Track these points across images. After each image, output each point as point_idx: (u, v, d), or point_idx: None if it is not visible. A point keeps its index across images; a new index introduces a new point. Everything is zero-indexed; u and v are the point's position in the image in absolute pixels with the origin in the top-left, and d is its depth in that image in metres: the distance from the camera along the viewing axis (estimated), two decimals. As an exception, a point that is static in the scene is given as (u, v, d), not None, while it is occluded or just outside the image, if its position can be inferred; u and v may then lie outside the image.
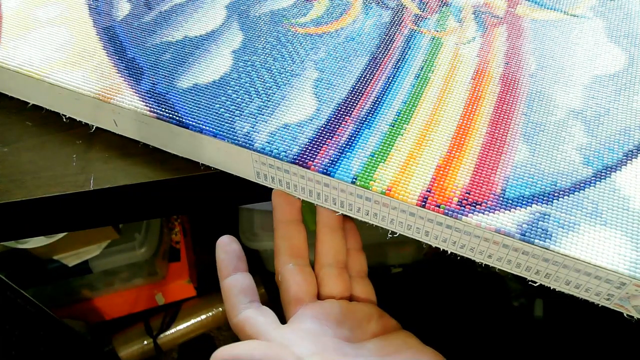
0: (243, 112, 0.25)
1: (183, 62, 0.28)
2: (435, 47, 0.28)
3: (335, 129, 0.24)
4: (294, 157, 0.23)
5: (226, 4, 0.31)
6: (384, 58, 0.28)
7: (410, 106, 0.25)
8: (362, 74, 0.27)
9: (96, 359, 0.68)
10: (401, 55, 0.28)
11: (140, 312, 0.74)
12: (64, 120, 0.29)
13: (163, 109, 0.25)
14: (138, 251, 0.64)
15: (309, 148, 0.23)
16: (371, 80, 0.26)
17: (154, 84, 0.26)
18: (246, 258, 0.26)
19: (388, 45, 0.28)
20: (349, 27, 0.29)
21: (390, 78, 0.27)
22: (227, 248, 0.25)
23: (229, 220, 0.75)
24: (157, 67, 0.27)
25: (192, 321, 0.76)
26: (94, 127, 0.28)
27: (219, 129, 0.24)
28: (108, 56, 0.28)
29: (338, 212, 0.24)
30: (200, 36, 0.29)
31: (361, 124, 0.24)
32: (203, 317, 0.77)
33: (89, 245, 0.60)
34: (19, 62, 0.28)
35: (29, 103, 0.29)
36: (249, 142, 0.24)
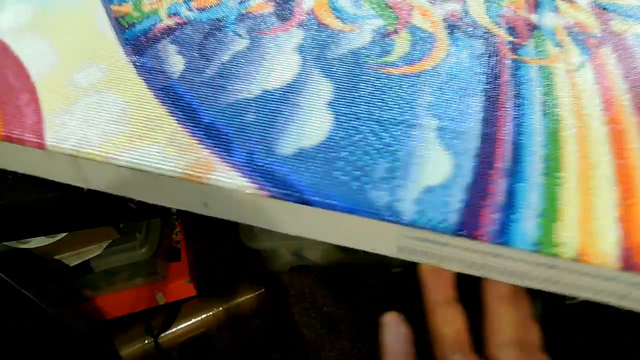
0: (372, 178, 0.21)
1: (273, 122, 0.23)
2: (546, 77, 0.26)
3: (484, 187, 0.21)
4: (456, 227, 0.20)
5: (295, 47, 0.27)
6: (498, 95, 0.25)
7: (553, 150, 0.22)
8: (484, 117, 0.24)
9: (97, 358, 0.68)
10: (516, 91, 0.25)
11: (141, 311, 0.75)
12: (132, 207, 0.24)
13: (273, 185, 0.21)
14: (139, 251, 0.65)
15: (467, 213, 0.20)
16: (495, 122, 0.23)
17: (249, 153, 0.22)
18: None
19: (496, 79, 0.25)
20: (445, 63, 0.26)
21: (517, 118, 0.24)
22: (395, 329, 0.21)
23: (230, 220, 0.73)
24: (245, 132, 0.23)
25: (193, 321, 0.78)
26: (175, 210, 0.23)
27: (351, 202, 0.20)
28: (179, 123, 0.24)
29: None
30: (281, 88, 0.25)
31: (511, 178, 0.21)
32: (203, 316, 0.79)
33: (90, 245, 0.60)
34: (74, 142, 0.23)
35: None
36: (395, 214, 0.20)
